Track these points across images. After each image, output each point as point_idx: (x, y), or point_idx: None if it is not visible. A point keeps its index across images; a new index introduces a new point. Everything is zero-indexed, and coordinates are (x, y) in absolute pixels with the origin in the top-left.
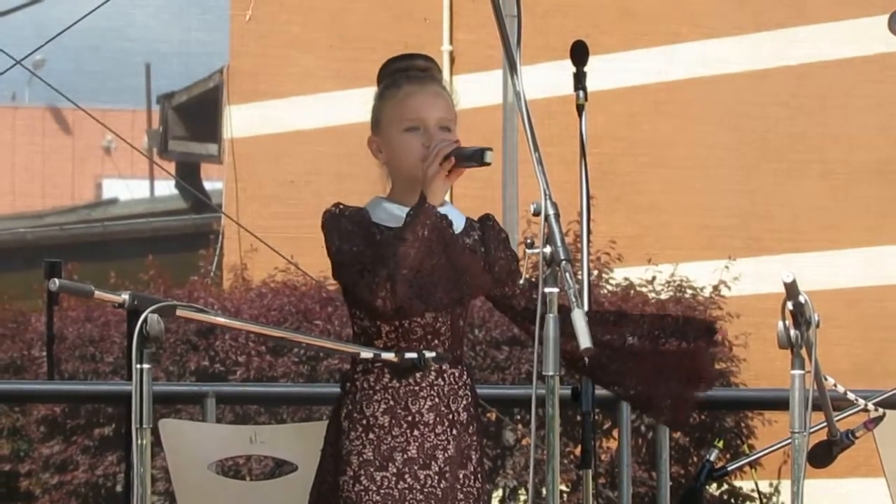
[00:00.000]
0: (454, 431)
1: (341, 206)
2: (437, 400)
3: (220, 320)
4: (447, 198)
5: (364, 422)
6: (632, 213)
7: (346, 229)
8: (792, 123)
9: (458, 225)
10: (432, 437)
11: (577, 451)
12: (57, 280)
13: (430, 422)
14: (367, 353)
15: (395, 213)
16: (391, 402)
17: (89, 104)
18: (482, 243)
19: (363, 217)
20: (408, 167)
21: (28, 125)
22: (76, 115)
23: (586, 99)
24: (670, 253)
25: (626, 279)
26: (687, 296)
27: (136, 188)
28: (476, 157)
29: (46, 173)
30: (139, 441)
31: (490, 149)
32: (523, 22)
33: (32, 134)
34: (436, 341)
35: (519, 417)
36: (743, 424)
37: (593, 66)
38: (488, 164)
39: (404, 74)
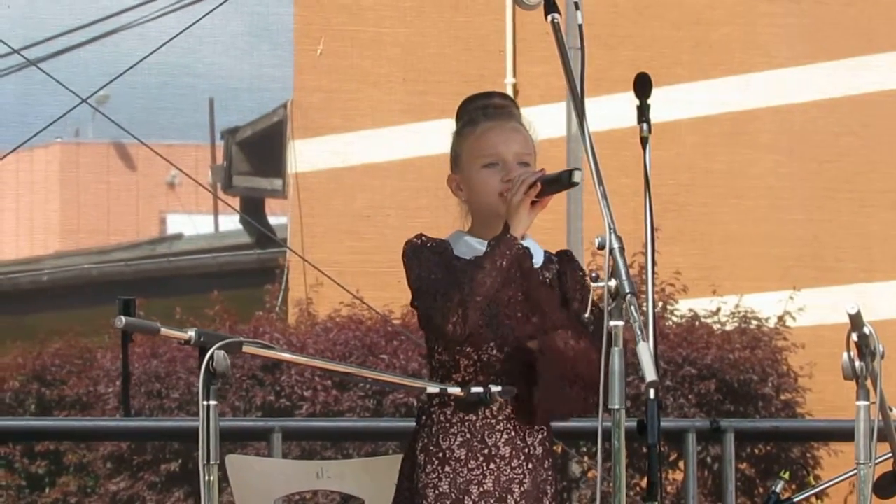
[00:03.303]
0: (530, 465)
1: (424, 238)
2: (513, 433)
3: (287, 356)
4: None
5: (440, 455)
6: (708, 243)
7: (427, 258)
8: (864, 153)
9: (538, 259)
10: (508, 470)
11: (644, 483)
12: (123, 318)
13: (507, 455)
14: (433, 388)
15: (475, 248)
16: (468, 435)
17: (154, 140)
18: (559, 279)
19: (446, 248)
20: (487, 203)
21: (93, 161)
22: (140, 150)
23: (650, 131)
24: (741, 284)
25: (690, 310)
26: (752, 326)
27: (201, 223)
28: (564, 179)
29: (111, 209)
30: (207, 477)
31: (578, 168)
32: (597, 53)
33: (97, 170)
34: None
35: (585, 450)
36: (809, 455)
37: (668, 96)
38: (576, 184)
39: (482, 112)
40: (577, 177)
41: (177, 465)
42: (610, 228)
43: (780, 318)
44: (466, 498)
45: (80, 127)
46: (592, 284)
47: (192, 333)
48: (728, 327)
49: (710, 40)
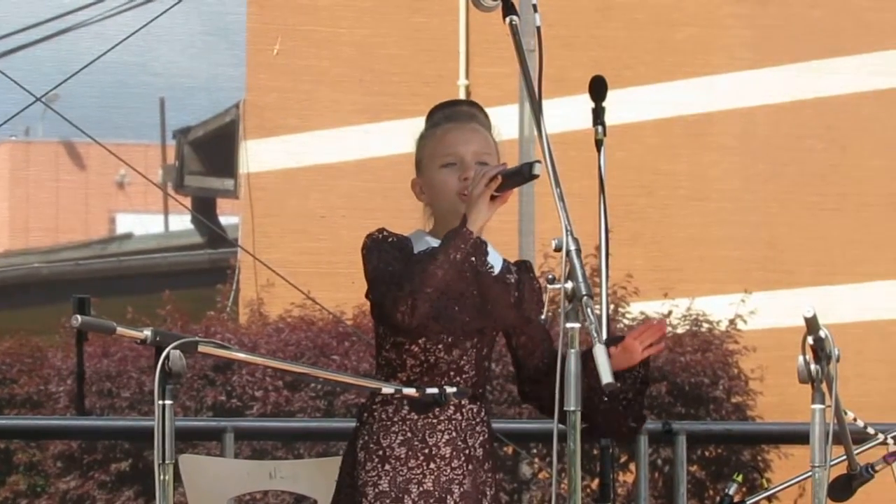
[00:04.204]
0: (470, 467)
1: (385, 232)
2: (454, 434)
3: (241, 356)
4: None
5: (381, 453)
6: (668, 245)
7: (386, 251)
8: (825, 156)
9: (496, 265)
10: (448, 470)
11: (595, 484)
12: (79, 316)
13: (447, 455)
14: (388, 389)
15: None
16: (409, 434)
17: (107, 139)
18: (517, 288)
19: (406, 244)
20: (447, 203)
21: (42, 160)
22: (90, 150)
23: (605, 134)
24: (699, 287)
25: (642, 313)
26: (703, 329)
27: (150, 223)
28: (525, 171)
29: (61, 208)
30: (162, 477)
31: (538, 161)
32: (559, 54)
33: (47, 169)
34: (458, 378)
35: (535, 451)
36: (759, 458)
37: (630, 97)
38: (537, 177)
39: (444, 116)
40: (536, 169)
41: (127, 465)
42: (567, 230)
43: (732, 322)
44: (406, 497)
45: (29, 126)
46: (549, 286)
47: (147, 333)
48: (679, 330)
49: (673, 42)
